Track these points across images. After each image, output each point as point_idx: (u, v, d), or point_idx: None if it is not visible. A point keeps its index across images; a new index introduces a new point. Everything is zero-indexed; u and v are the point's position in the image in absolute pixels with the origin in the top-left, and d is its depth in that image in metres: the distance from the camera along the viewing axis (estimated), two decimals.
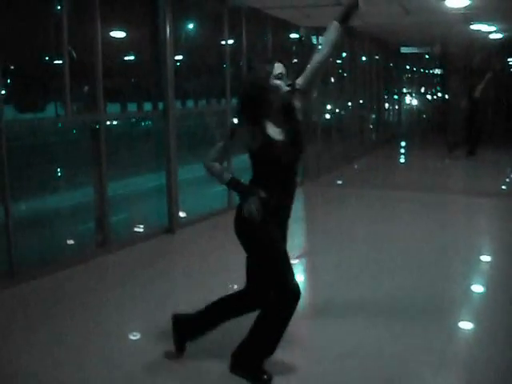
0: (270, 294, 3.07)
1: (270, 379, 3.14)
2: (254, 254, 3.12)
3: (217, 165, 3.08)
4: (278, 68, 3.02)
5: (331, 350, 3.57)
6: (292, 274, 3.04)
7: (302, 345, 3.74)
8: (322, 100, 10.48)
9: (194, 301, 4.38)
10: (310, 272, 5.23)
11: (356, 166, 11.88)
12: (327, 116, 11.39)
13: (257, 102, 2.99)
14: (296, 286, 3.01)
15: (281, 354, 3.29)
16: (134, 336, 3.87)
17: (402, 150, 15.56)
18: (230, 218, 3.18)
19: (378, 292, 4.57)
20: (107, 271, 5.37)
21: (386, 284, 4.76)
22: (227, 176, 3.10)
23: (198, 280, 4.96)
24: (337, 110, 11.76)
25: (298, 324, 3.83)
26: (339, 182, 10.07)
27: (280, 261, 3.05)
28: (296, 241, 5.87)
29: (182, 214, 6.67)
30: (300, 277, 4.80)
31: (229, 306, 3.35)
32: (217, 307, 3.35)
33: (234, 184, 3.12)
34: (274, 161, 3.03)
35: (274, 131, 3.04)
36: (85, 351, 3.61)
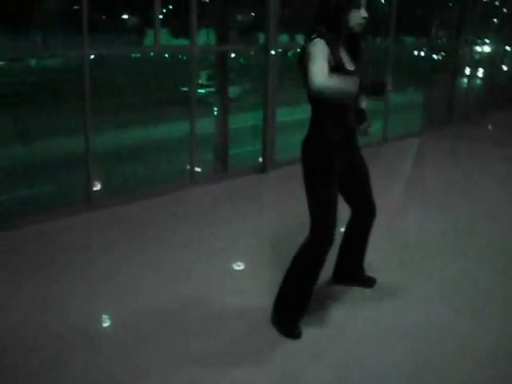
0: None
1: (299, 334, 3.02)
2: (308, 184, 2.97)
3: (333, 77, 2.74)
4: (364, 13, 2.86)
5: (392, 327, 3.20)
6: (333, 220, 2.95)
7: (354, 314, 3.40)
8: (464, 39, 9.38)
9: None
10: (401, 231, 4.76)
11: (496, 120, 10.58)
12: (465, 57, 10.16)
13: (339, 14, 2.80)
14: (332, 232, 2.94)
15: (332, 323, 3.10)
16: (238, 266, 3.92)
17: None
18: None
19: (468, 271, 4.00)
20: (192, 204, 5.33)
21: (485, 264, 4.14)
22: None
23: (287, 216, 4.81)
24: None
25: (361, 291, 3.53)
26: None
27: (327, 203, 2.95)
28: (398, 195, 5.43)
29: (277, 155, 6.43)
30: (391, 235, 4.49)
31: (355, 236, 3.40)
32: (352, 244, 3.43)
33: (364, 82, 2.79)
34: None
35: (346, 59, 2.91)
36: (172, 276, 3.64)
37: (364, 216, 3.35)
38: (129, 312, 3.26)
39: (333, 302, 3.40)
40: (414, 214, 5.13)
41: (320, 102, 2.85)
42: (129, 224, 4.67)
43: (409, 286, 3.64)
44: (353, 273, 3.58)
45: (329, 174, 2.93)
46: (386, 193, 5.56)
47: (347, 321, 3.22)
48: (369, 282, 3.59)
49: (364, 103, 3.21)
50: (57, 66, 13.96)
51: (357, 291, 3.53)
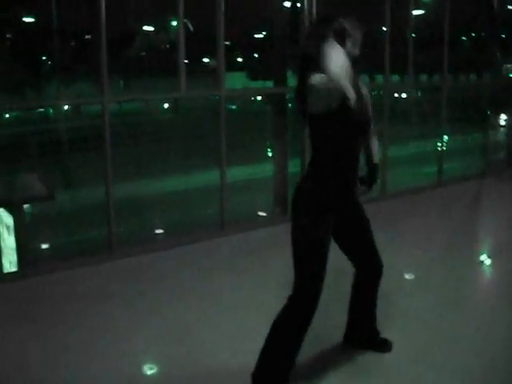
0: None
1: None
2: (297, 239, 2.72)
3: None
4: None
5: None
6: (320, 281, 2.69)
7: None
8: None
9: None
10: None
11: None
12: None
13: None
14: (317, 294, 2.69)
15: None
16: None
17: None
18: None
19: None
20: (220, 253, 5.12)
21: None
22: None
23: None
24: None
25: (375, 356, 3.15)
26: None
27: (315, 263, 2.69)
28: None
29: None
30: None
31: (361, 295, 3.12)
32: (359, 304, 3.15)
33: None
34: (354, 128, 2.65)
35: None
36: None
37: (368, 275, 3.09)
38: (138, 368, 3.16)
39: (342, 368, 3.09)
40: (457, 269, 4.61)
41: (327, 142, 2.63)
42: (150, 274, 4.58)
43: (427, 353, 3.26)
44: (365, 334, 3.26)
45: (317, 227, 2.67)
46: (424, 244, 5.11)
47: None
48: (384, 346, 3.21)
49: (377, 157, 2.90)
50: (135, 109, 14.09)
51: (370, 356, 3.19)
